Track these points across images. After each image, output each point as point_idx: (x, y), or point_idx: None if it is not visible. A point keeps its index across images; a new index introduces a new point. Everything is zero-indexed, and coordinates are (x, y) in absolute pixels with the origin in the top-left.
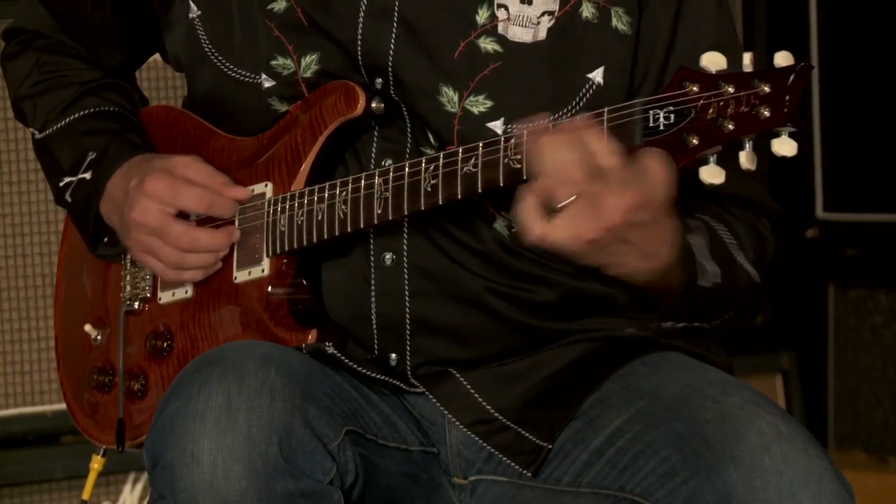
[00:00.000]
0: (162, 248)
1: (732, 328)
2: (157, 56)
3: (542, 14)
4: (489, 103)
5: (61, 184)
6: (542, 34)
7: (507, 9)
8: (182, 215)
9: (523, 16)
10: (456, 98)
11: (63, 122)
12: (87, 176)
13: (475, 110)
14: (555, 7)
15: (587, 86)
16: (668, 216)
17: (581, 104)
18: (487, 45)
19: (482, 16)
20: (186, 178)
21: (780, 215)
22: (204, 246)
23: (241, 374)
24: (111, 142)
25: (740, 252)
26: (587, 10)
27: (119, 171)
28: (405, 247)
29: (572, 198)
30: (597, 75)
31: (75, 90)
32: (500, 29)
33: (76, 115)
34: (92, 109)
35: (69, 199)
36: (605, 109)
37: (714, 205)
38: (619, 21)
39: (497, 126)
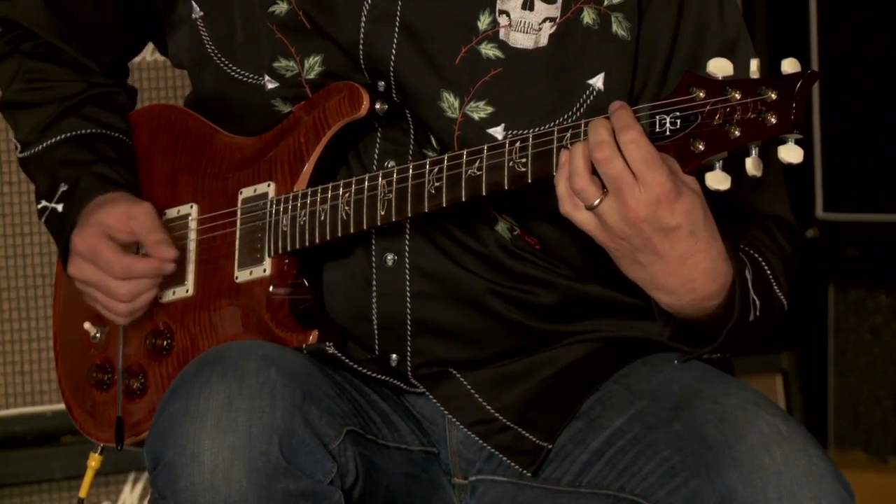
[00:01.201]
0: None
1: None
2: (158, 56)
3: (544, 20)
4: (490, 109)
5: (39, 206)
6: (544, 40)
7: (508, 15)
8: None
9: (525, 22)
10: (457, 104)
11: (40, 147)
12: (59, 208)
13: (475, 116)
14: (556, 13)
15: (588, 92)
16: (707, 237)
17: (581, 110)
18: (489, 51)
19: (484, 22)
20: (129, 230)
21: (797, 232)
22: (139, 272)
23: (241, 375)
24: (81, 176)
25: (775, 284)
26: (588, 17)
27: (86, 209)
28: (407, 248)
29: (598, 199)
30: (597, 81)
31: (55, 108)
32: (502, 35)
33: (53, 140)
34: (68, 134)
35: (45, 224)
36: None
37: (749, 232)
38: (620, 27)
39: (497, 132)
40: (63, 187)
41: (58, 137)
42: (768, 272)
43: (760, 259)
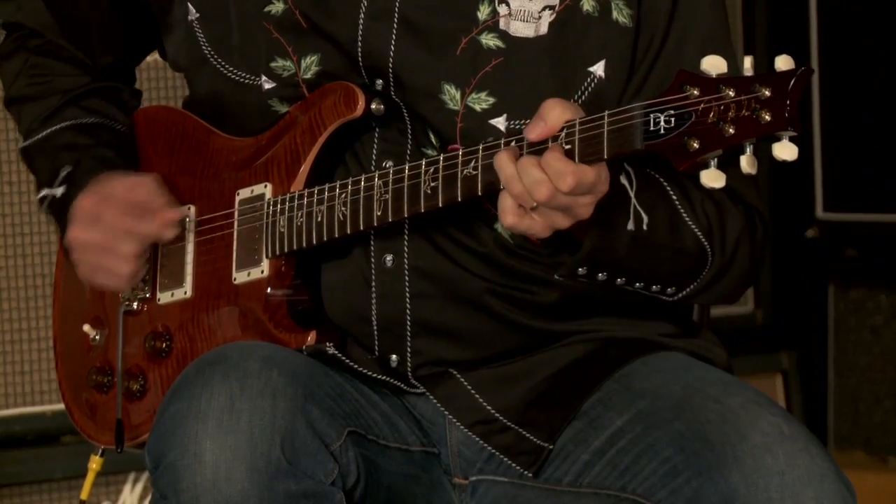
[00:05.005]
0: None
1: (732, 327)
2: (157, 56)
3: (544, 8)
4: (492, 100)
5: (40, 195)
6: (544, 28)
7: (508, 4)
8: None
9: (524, 10)
10: (458, 96)
11: (42, 135)
12: (60, 191)
13: (478, 107)
14: (556, 1)
15: (589, 79)
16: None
17: (583, 98)
18: (489, 41)
19: (483, 12)
20: (128, 200)
21: (759, 211)
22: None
23: (243, 375)
24: (82, 158)
25: (687, 214)
26: (587, 4)
27: (86, 188)
28: (406, 248)
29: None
30: (598, 69)
31: (58, 99)
32: (502, 24)
33: (55, 128)
34: (71, 122)
35: (47, 212)
36: (605, 113)
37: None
38: (620, 14)
39: (500, 123)
40: (64, 171)
41: (60, 125)
42: (673, 197)
43: (666, 186)
